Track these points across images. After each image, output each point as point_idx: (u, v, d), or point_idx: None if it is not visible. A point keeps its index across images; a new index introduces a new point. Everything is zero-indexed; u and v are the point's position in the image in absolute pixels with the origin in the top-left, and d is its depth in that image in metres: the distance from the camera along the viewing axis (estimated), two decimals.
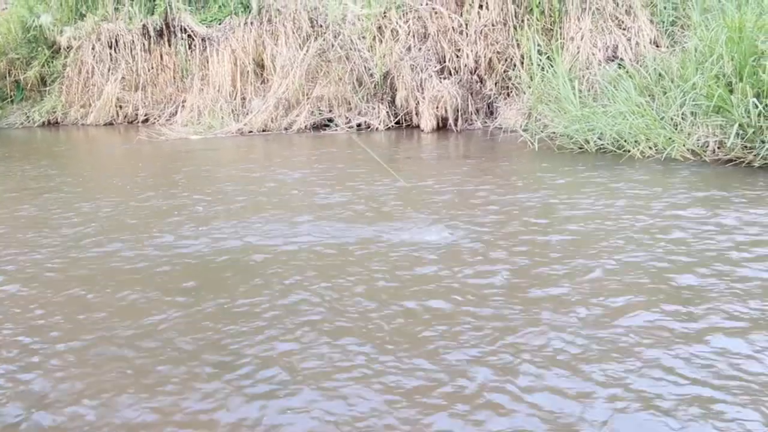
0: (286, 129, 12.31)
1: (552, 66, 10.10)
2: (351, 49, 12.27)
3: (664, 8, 10.51)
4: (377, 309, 3.68)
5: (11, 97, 16.56)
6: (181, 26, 14.56)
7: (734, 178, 6.48)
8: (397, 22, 12.08)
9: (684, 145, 7.50)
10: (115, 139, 13.28)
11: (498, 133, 10.61)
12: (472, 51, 11.58)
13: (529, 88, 10.48)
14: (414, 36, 11.96)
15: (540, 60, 10.53)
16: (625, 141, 7.96)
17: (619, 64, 9.96)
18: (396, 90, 11.88)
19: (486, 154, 9.14)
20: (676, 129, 7.75)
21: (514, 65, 11.40)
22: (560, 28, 11.06)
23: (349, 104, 12.23)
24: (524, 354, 3.10)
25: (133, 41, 15.07)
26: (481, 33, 11.59)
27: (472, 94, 11.46)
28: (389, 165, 7.90)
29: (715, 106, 7.38)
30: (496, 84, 11.64)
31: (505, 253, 4.53)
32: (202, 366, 3.12)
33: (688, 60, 8.33)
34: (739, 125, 7.03)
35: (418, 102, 11.54)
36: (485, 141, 10.15)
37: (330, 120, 12.32)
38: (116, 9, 15.59)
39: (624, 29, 10.61)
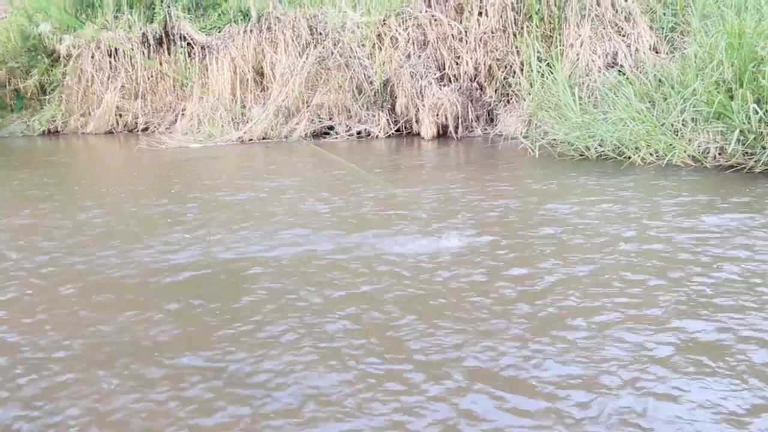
0: (286, 137, 12.30)
1: (552, 73, 10.10)
2: (350, 56, 12.28)
3: (664, 14, 10.52)
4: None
5: (11, 106, 16.54)
6: (181, 34, 14.57)
7: (736, 183, 6.47)
8: (396, 30, 12.09)
9: (685, 152, 7.50)
10: (114, 147, 13.28)
11: (498, 140, 10.60)
12: (471, 58, 11.59)
13: (529, 95, 10.47)
14: (414, 43, 11.96)
15: (540, 67, 10.53)
16: (626, 147, 7.95)
17: (619, 71, 9.95)
18: (396, 97, 11.88)
19: (487, 162, 9.13)
20: (676, 135, 7.75)
21: (514, 72, 11.41)
22: (560, 34, 11.06)
23: (349, 112, 12.23)
24: None
25: (132, 49, 15.07)
26: (480, 40, 11.60)
27: (472, 101, 11.47)
28: (391, 174, 7.88)
29: (716, 113, 7.38)
30: (496, 91, 11.64)
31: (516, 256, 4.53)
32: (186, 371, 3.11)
33: (688, 66, 8.33)
34: (740, 131, 7.02)
35: (418, 109, 11.54)
36: (486, 148, 10.15)
37: (330, 128, 12.32)
38: (116, 17, 15.60)
39: (624, 36, 10.61)
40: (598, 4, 10.84)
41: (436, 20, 11.88)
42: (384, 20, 12.28)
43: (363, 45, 12.39)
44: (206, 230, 5.74)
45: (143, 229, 5.97)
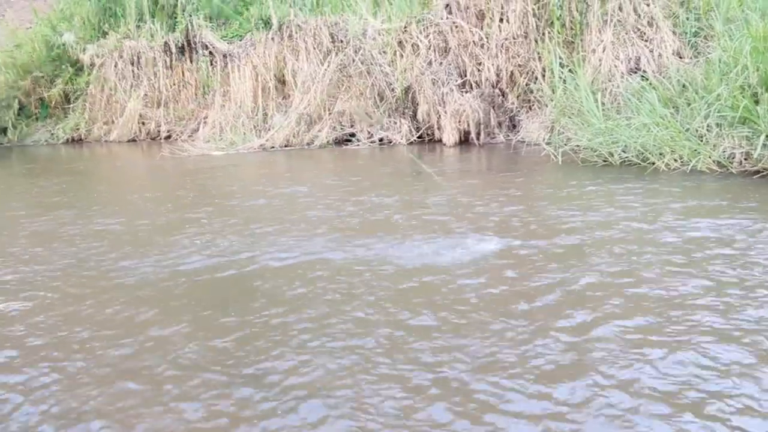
0: (308, 144, 12.34)
1: (574, 79, 10.05)
2: (372, 63, 12.30)
3: (687, 19, 10.44)
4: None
5: (36, 114, 16.70)
6: (203, 43, 14.65)
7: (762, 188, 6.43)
8: (417, 37, 12.09)
9: (710, 157, 7.45)
10: (137, 155, 13.38)
11: (521, 146, 10.56)
12: (493, 64, 11.56)
13: (552, 101, 10.43)
14: (435, 50, 11.96)
15: (562, 73, 10.49)
16: (650, 153, 7.91)
17: (642, 76, 9.90)
18: (417, 104, 11.88)
19: (510, 168, 9.12)
20: (701, 141, 7.69)
21: (536, 78, 11.37)
22: (582, 40, 11.01)
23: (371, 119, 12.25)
24: None
25: (155, 58, 15.17)
26: (502, 46, 11.57)
27: (494, 107, 11.45)
28: (418, 178, 7.91)
29: (741, 117, 7.33)
30: (518, 97, 11.60)
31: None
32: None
33: (712, 71, 8.27)
34: (766, 136, 6.96)
35: (439, 116, 11.54)
36: (508, 155, 10.13)
37: (352, 135, 12.34)
38: (138, 27, 15.73)
39: (646, 41, 10.54)
40: (621, 9, 10.77)
41: (457, 27, 11.87)
42: (405, 27, 12.28)
43: (384, 52, 12.41)
44: (234, 236, 5.77)
45: (158, 235, 6.03)
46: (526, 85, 11.50)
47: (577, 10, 11.08)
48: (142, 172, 11.04)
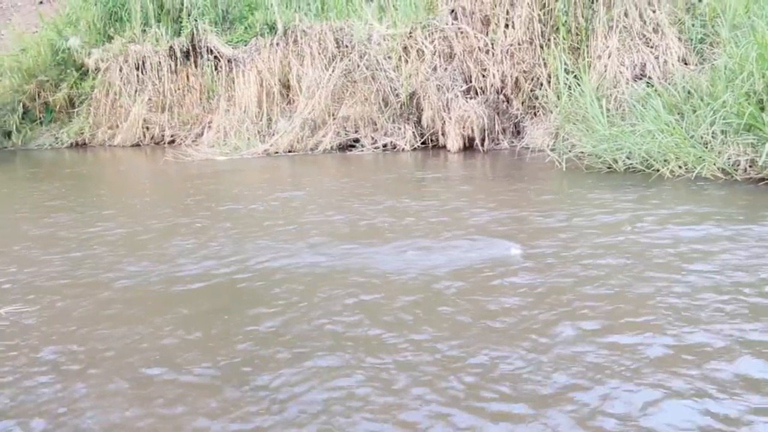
0: (312, 150, 12.31)
1: (579, 85, 10.01)
2: (377, 69, 12.26)
3: (693, 25, 10.39)
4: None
5: (41, 118, 16.70)
6: (208, 47, 14.64)
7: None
8: (422, 42, 12.05)
9: (714, 164, 7.39)
10: (141, 160, 13.37)
11: (525, 153, 10.51)
12: (498, 70, 11.52)
13: (556, 107, 10.38)
14: (440, 56, 11.91)
15: (567, 79, 10.44)
16: (655, 160, 7.85)
17: (648, 83, 9.85)
18: (422, 110, 11.84)
19: (513, 174, 9.06)
20: (706, 147, 7.63)
21: (541, 84, 11.32)
22: (587, 46, 10.96)
23: (375, 124, 12.20)
24: None
25: (159, 63, 15.17)
26: (507, 52, 11.53)
27: (498, 113, 11.39)
28: (418, 185, 7.88)
29: (746, 124, 7.27)
30: (522, 103, 11.56)
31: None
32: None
33: (718, 78, 8.21)
34: None
35: (444, 122, 11.49)
36: (513, 161, 10.07)
37: (356, 140, 12.30)
38: (143, 31, 15.73)
39: (652, 47, 10.49)
40: (626, 15, 10.73)
41: (462, 32, 11.83)
42: (410, 33, 12.24)
43: (389, 57, 12.37)
44: (230, 243, 5.73)
45: (156, 239, 6.02)
46: (531, 91, 11.45)
47: (582, 16, 11.04)
48: (144, 177, 11.01)
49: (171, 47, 15.08)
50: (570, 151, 8.95)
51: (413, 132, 11.92)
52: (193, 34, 14.76)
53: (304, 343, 3.55)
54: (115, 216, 7.23)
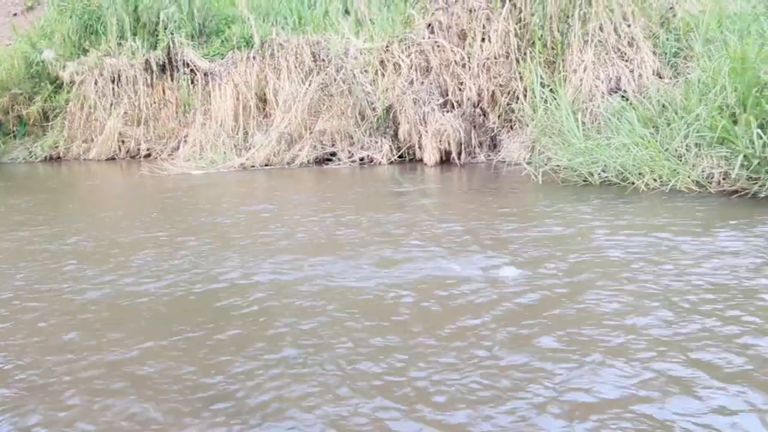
0: (288, 163, 12.27)
1: (555, 98, 10.03)
2: (353, 83, 12.25)
3: (667, 39, 10.45)
4: None
5: (14, 132, 16.58)
6: (184, 61, 14.59)
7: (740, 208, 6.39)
8: (399, 56, 12.06)
9: (689, 177, 7.40)
10: (115, 174, 13.26)
11: (501, 166, 10.51)
12: (474, 84, 11.53)
13: (533, 120, 10.39)
14: (416, 69, 11.93)
15: (543, 92, 10.46)
16: (630, 173, 7.87)
17: (623, 96, 9.88)
18: (399, 124, 11.83)
19: (491, 188, 9.04)
20: (680, 160, 7.65)
21: (517, 98, 11.34)
22: (563, 60, 11.00)
23: (352, 138, 12.18)
24: None
25: (135, 76, 15.09)
26: (483, 66, 11.55)
27: (475, 127, 11.41)
28: (392, 198, 7.83)
29: (719, 137, 7.29)
30: (499, 117, 11.57)
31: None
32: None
33: (692, 91, 8.25)
34: (744, 156, 6.93)
35: (420, 135, 11.48)
36: (489, 174, 10.07)
37: (333, 154, 12.27)
38: (119, 44, 15.65)
39: (627, 61, 10.54)
40: (601, 29, 10.78)
41: (438, 46, 11.84)
42: (387, 46, 12.25)
43: (366, 71, 12.37)
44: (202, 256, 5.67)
45: (123, 253, 5.94)
46: (508, 104, 11.47)
47: (558, 31, 11.09)
48: (118, 191, 10.92)
49: (147, 60, 15.04)
50: (546, 165, 8.96)
51: (390, 146, 11.91)
52: (169, 47, 14.72)
53: (260, 355, 3.50)
54: (83, 229, 7.14)
